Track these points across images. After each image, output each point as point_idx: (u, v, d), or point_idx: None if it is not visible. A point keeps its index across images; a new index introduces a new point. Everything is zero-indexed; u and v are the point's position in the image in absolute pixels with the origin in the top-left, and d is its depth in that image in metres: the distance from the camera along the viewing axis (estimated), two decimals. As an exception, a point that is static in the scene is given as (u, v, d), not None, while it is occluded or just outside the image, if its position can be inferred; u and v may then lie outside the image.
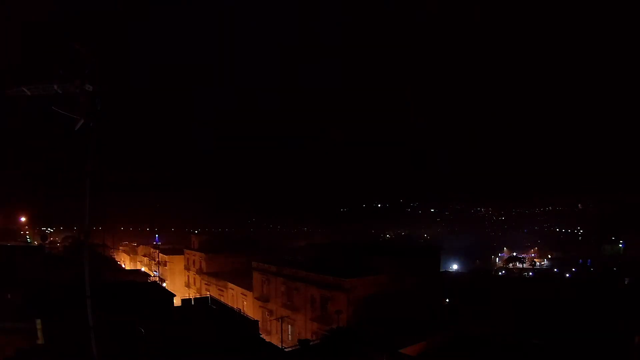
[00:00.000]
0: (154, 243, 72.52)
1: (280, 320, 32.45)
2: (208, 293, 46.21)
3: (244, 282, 43.79)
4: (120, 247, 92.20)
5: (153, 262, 67.00)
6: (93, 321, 10.17)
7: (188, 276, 59.88)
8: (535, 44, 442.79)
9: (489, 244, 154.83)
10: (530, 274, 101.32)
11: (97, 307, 10.47)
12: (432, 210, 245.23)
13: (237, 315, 25.35)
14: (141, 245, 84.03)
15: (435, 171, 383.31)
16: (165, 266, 63.79)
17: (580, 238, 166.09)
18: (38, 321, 14.90)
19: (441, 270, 44.91)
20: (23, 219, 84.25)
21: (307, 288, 32.56)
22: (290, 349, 22.69)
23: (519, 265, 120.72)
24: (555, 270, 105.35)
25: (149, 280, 37.38)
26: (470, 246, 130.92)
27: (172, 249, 68.52)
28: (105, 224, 52.51)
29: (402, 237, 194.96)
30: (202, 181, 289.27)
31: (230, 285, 46.48)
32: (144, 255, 77.53)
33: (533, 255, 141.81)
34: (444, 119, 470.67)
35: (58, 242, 71.58)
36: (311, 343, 21.44)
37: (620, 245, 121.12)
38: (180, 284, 60.58)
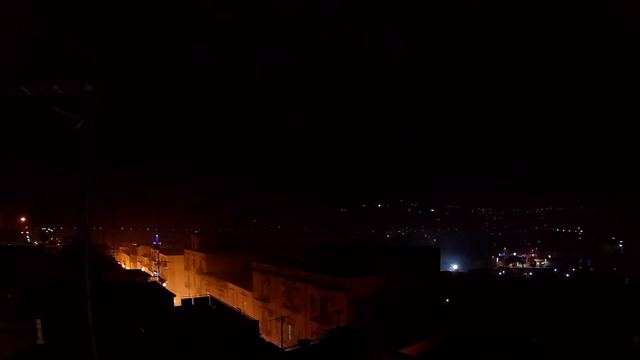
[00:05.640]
0: (154, 243, 72.52)
1: (280, 320, 32.45)
2: (208, 293, 46.15)
3: (244, 282, 43.79)
4: (120, 247, 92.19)
5: (153, 262, 66.97)
6: (93, 321, 10.17)
7: (188, 276, 59.88)
8: (533, 45, 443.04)
9: (489, 244, 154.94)
10: (530, 274, 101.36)
11: (97, 307, 10.46)
12: (432, 210, 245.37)
13: (237, 315, 25.31)
14: (141, 245, 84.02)
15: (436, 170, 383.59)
16: (165, 266, 63.79)
17: (580, 238, 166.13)
18: (38, 321, 14.91)
19: (441, 270, 44.93)
20: (23, 219, 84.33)
21: (307, 288, 32.56)
22: (290, 349, 22.67)
23: (519, 265, 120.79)
24: (555, 270, 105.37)
25: (149, 280, 37.33)
26: (470, 246, 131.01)
27: (172, 249, 68.54)
28: (105, 224, 52.45)
29: (402, 237, 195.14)
30: (202, 181, 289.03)
31: (230, 285, 46.49)
32: (144, 255, 77.52)
33: (533, 255, 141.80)
34: (442, 117, 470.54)
35: (58, 242, 71.52)
36: (311, 343, 21.41)
37: (620, 245, 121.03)
38: (180, 284, 60.59)
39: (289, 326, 34.07)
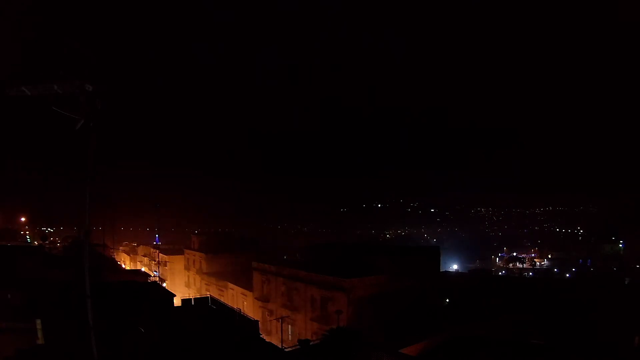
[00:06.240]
0: (154, 243, 72.51)
1: (280, 320, 32.44)
2: (208, 293, 46.17)
3: (244, 282, 43.77)
4: (120, 247, 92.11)
5: (153, 262, 66.96)
6: (93, 321, 10.16)
7: (188, 276, 59.85)
8: (533, 45, 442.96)
9: (489, 244, 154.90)
10: (530, 274, 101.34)
11: (97, 307, 10.46)
12: (432, 210, 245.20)
13: (237, 315, 25.32)
14: (141, 245, 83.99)
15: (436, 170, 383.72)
16: (166, 266, 63.78)
17: (580, 238, 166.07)
18: (38, 321, 14.90)
19: (441, 270, 44.90)
20: (23, 219, 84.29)
21: (307, 288, 32.55)
22: (290, 349, 22.68)
23: (519, 265, 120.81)
24: (555, 270, 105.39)
25: (149, 280, 37.31)
26: (470, 246, 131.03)
27: (172, 249, 68.51)
28: (105, 224, 52.43)
29: (402, 237, 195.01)
30: (202, 181, 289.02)
31: (230, 285, 46.47)
32: (144, 255, 77.51)
33: (533, 255, 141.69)
34: (442, 117, 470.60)
35: (58, 242, 71.47)
36: (311, 343, 21.41)
37: (620, 245, 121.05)
38: (180, 284, 60.57)
39: (289, 326, 34.06)
